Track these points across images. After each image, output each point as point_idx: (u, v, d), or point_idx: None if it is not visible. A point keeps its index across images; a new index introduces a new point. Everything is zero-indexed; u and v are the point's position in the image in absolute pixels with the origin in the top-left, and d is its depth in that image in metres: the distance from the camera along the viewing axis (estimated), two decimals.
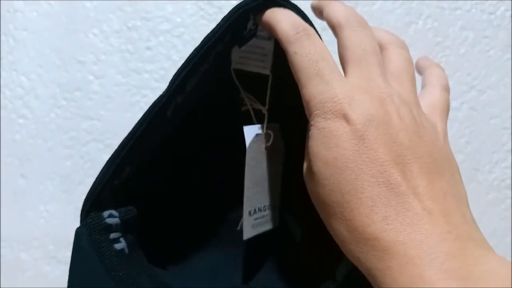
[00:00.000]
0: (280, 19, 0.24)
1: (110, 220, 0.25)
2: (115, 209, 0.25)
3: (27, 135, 0.45)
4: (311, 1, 0.29)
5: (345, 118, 0.21)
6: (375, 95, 0.21)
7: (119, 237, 0.25)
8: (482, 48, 0.48)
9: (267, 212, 0.30)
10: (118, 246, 0.25)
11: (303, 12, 0.26)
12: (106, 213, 0.25)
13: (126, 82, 0.46)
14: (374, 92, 0.22)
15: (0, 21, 0.46)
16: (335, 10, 0.25)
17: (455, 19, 0.48)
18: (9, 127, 0.45)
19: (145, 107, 0.25)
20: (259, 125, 0.30)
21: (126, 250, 0.25)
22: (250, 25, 0.26)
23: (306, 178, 0.23)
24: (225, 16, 0.24)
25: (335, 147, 0.21)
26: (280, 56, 0.28)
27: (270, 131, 0.30)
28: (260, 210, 0.29)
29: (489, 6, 0.48)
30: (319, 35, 0.25)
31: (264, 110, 0.30)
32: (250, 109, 0.30)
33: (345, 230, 0.20)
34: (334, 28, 0.25)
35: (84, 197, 0.41)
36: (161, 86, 0.46)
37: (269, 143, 0.30)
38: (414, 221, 0.19)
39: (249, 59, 0.29)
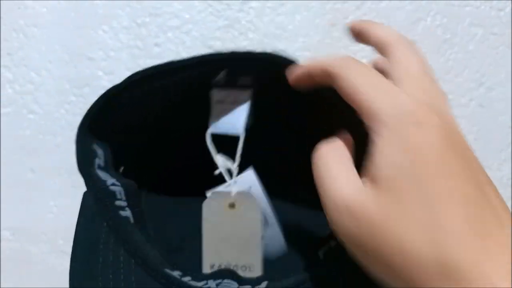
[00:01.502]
0: (316, 63, 0.24)
1: (113, 188, 0.25)
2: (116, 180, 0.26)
3: (37, 130, 0.45)
4: (350, 23, 0.28)
5: (420, 126, 0.20)
6: (441, 108, 0.21)
7: (124, 206, 0.25)
8: (491, 44, 0.48)
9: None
10: (123, 213, 0.25)
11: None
12: (109, 181, 0.25)
13: None
14: (439, 105, 0.21)
15: (11, 17, 0.46)
16: (383, 30, 0.26)
17: (464, 15, 0.48)
18: (19, 122, 0.45)
19: None
20: (227, 182, 0.31)
21: (131, 220, 0.25)
22: (221, 76, 0.28)
23: (364, 193, 0.20)
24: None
25: (414, 154, 0.19)
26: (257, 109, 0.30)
27: (237, 191, 0.31)
28: (228, 267, 0.30)
29: (498, 3, 0.48)
30: None
31: (234, 169, 0.31)
32: (223, 171, 0.31)
33: (419, 248, 0.18)
34: (383, 47, 0.25)
35: None
36: None
37: (232, 200, 0.30)
38: (504, 244, 0.18)
39: (224, 122, 0.31)
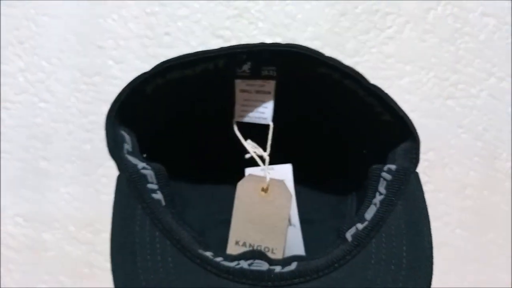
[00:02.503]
0: None
1: (144, 171, 0.26)
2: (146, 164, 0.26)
3: (49, 118, 0.46)
4: None
5: None
6: None
7: (156, 189, 0.25)
8: (502, 35, 0.47)
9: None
10: (155, 196, 0.25)
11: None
12: (140, 165, 0.26)
13: (145, 68, 0.46)
14: None
15: (22, 6, 0.46)
16: None
17: (475, 5, 0.47)
18: (31, 110, 0.46)
19: None
20: (262, 167, 0.32)
21: (163, 202, 0.25)
22: (246, 67, 0.28)
23: None
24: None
25: None
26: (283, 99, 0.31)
27: (269, 174, 0.31)
28: (252, 246, 0.31)
29: None
30: None
31: (266, 156, 0.31)
32: (254, 155, 0.32)
33: None
34: None
35: (104, 180, 0.42)
36: None
37: (266, 185, 0.31)
38: None
39: (250, 111, 0.31)
